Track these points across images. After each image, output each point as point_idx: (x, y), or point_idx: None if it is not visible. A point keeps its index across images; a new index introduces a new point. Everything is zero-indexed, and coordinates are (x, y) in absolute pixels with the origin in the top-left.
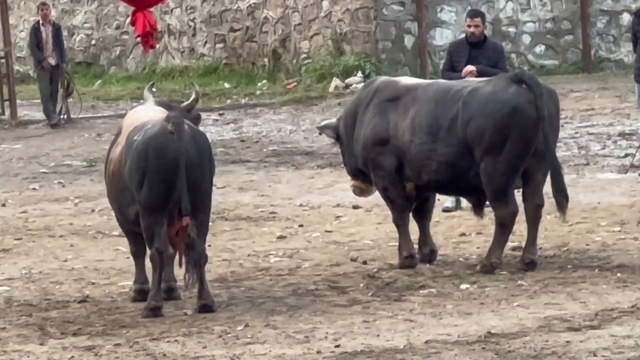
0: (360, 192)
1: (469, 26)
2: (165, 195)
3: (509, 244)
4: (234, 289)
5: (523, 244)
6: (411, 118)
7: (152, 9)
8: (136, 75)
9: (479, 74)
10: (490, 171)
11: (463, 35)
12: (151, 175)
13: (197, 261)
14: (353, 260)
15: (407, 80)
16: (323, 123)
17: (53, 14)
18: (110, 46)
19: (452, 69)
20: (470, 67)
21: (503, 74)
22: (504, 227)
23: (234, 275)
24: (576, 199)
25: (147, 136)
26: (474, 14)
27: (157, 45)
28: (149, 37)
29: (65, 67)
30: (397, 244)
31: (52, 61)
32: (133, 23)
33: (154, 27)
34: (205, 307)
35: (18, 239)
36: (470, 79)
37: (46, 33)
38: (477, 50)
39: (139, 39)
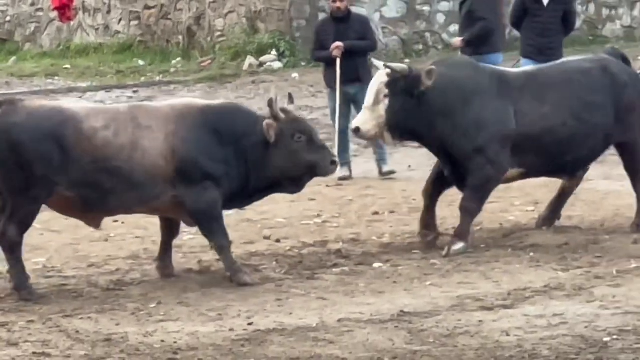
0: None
1: (334, 1)
2: None
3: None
4: (147, 266)
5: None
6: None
7: None
8: (51, 52)
9: (347, 49)
10: None
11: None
12: None
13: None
14: (266, 238)
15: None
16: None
17: None
18: (25, 23)
19: (322, 48)
20: (337, 43)
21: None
22: None
23: (147, 252)
24: None
25: None
26: None
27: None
28: (65, 9)
29: None
30: (457, 227)
31: None
32: None
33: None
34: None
35: None
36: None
37: None
38: (344, 25)
39: (55, 12)
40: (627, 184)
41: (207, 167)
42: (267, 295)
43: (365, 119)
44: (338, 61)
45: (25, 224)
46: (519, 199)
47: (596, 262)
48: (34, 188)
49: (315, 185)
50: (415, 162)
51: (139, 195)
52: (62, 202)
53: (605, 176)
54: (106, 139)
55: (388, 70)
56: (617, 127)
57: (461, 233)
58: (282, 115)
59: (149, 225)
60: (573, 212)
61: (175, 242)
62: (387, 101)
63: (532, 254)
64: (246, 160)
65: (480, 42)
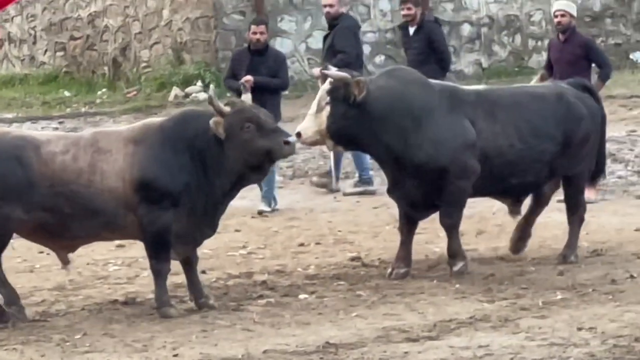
0: None
1: (254, 33)
2: None
3: (348, 254)
4: (72, 297)
5: (362, 255)
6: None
7: None
8: None
9: (256, 84)
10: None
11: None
12: None
13: None
14: None
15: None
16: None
17: None
18: None
19: (234, 77)
20: (247, 77)
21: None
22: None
23: (73, 283)
24: None
25: None
26: (259, 21)
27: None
28: None
29: None
30: (448, 247)
31: None
32: None
33: None
34: None
35: None
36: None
37: None
38: (259, 58)
39: None
40: (553, 215)
41: (165, 185)
42: (192, 327)
43: (308, 124)
44: (249, 94)
45: None
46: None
47: (522, 294)
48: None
49: (240, 217)
50: (341, 194)
51: (100, 220)
52: (24, 228)
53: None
54: (64, 163)
55: (331, 78)
56: (566, 158)
57: (455, 251)
58: (226, 109)
59: (74, 257)
60: (499, 243)
61: (102, 273)
62: (328, 108)
63: (457, 285)
64: (204, 163)
65: None
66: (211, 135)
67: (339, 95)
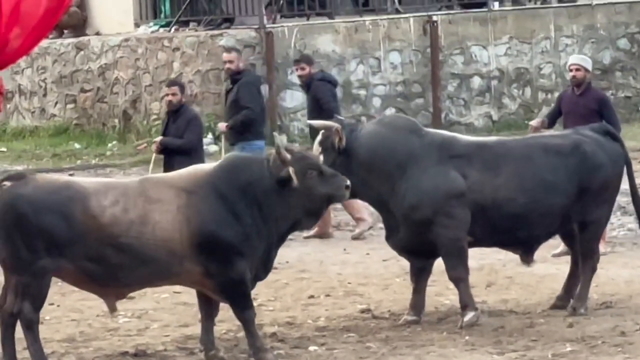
0: None
1: (167, 94)
2: None
3: (358, 306)
4: (83, 349)
5: (372, 307)
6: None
7: None
8: None
9: (162, 145)
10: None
11: None
12: None
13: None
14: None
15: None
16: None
17: None
18: None
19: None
20: (156, 139)
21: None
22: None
23: (83, 335)
24: None
25: None
26: (171, 83)
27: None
28: None
29: None
30: (459, 299)
31: None
32: None
33: (0, 91)
34: None
35: None
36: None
37: None
38: (172, 118)
39: None
40: (562, 267)
41: (225, 237)
42: None
43: None
44: (154, 156)
45: (38, 300)
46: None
47: (531, 346)
48: (39, 261)
49: None
50: (351, 246)
51: (152, 269)
52: (69, 276)
53: (541, 259)
54: (114, 216)
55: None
56: (580, 207)
57: (466, 302)
58: (289, 158)
59: (84, 309)
60: (508, 295)
61: (112, 324)
62: (322, 157)
63: (467, 337)
64: (260, 209)
65: (244, 129)
66: (267, 182)
67: (328, 144)
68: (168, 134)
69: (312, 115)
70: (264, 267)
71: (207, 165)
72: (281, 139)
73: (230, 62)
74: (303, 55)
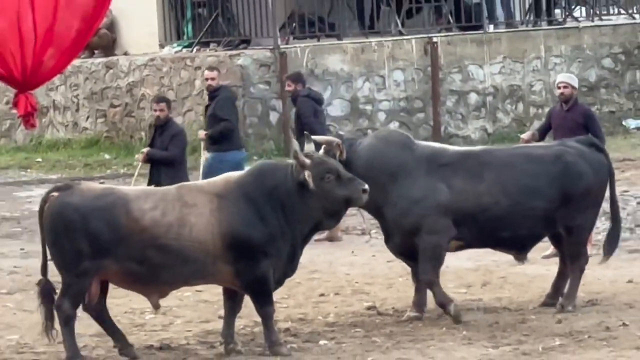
0: None
1: (155, 110)
2: None
3: (364, 304)
4: (112, 343)
5: (378, 304)
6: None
7: (33, 91)
8: (24, 147)
9: (149, 155)
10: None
11: None
12: None
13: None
14: (221, 317)
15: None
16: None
17: None
18: (1, 120)
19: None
20: (143, 149)
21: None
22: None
23: None
24: None
25: None
26: (159, 99)
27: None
28: (29, 117)
29: None
30: (435, 301)
31: None
32: (15, 104)
33: (35, 107)
34: None
35: None
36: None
37: None
38: (159, 132)
39: (20, 119)
40: (552, 268)
41: (252, 238)
42: None
43: None
44: (139, 166)
45: (77, 298)
46: (452, 282)
47: (524, 340)
48: (83, 263)
49: None
50: (358, 248)
51: (190, 269)
52: (115, 276)
53: (532, 261)
54: (154, 219)
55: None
56: (565, 212)
57: (442, 302)
58: (308, 162)
59: (112, 306)
60: (502, 293)
61: (138, 320)
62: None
63: (464, 332)
64: (284, 212)
65: (223, 139)
66: (290, 186)
67: (330, 157)
68: (154, 146)
69: (296, 129)
70: (291, 265)
71: (238, 173)
72: (296, 145)
73: (212, 79)
74: (292, 74)
